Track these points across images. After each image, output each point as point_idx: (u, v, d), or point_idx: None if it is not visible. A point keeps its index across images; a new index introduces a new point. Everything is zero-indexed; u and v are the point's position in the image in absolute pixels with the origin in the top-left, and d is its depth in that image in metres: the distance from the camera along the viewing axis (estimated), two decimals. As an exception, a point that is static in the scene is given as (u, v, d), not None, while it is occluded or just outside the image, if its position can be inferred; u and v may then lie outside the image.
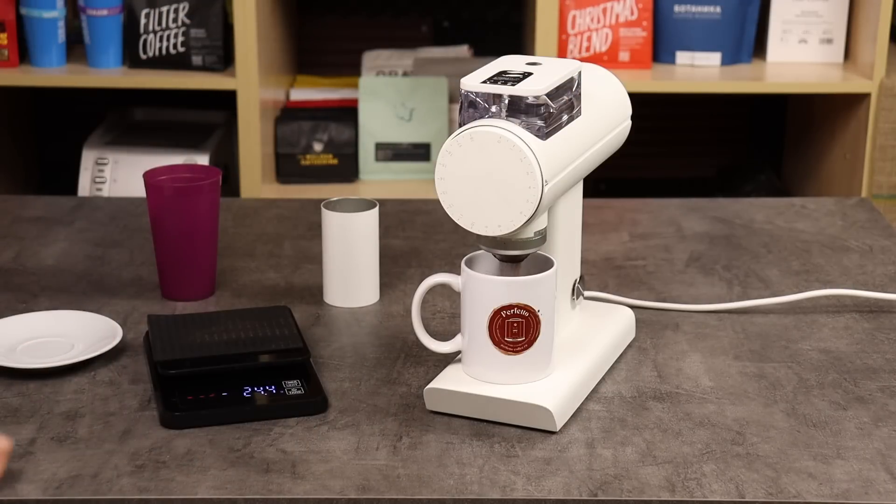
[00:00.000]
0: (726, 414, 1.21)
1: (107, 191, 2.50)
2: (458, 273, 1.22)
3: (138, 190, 2.46)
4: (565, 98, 1.18)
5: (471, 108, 1.15)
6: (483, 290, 1.19)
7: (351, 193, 2.56)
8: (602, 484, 1.09)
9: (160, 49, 2.52)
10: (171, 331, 1.29)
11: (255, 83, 2.45)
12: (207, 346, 1.26)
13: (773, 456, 1.14)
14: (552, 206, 1.22)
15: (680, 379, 1.28)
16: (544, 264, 1.21)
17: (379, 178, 2.67)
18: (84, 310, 1.38)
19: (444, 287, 1.24)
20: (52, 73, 2.51)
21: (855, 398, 1.24)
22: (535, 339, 1.19)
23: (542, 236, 1.19)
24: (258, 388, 1.22)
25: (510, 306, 1.17)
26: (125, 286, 1.48)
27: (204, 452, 1.13)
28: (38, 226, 1.67)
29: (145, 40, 2.52)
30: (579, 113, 1.21)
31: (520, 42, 2.83)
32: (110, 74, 2.51)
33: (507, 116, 1.14)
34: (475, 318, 1.19)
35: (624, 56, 2.57)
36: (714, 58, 2.58)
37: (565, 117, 1.18)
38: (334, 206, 1.44)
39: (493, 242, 1.18)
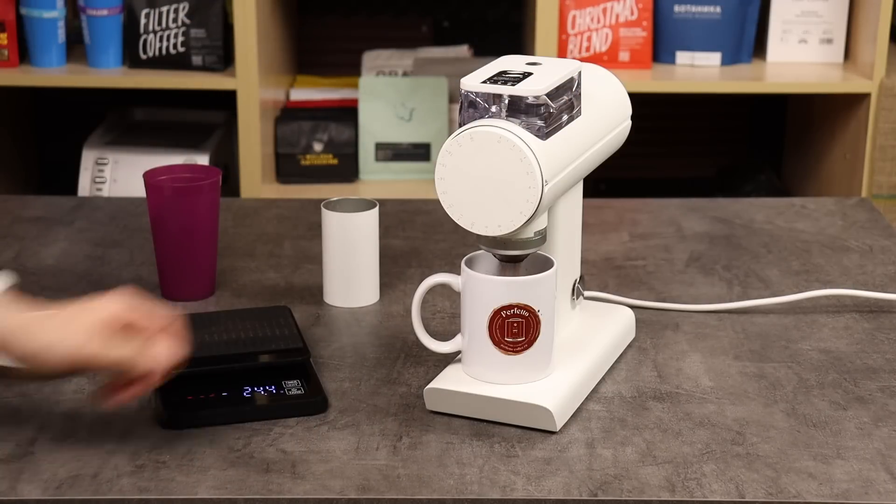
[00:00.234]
0: (726, 414, 1.21)
1: (107, 191, 2.49)
2: (458, 273, 1.21)
3: (138, 190, 2.46)
4: (565, 98, 1.18)
5: (471, 108, 1.15)
6: (483, 290, 1.18)
7: (351, 193, 2.56)
8: (602, 484, 1.09)
9: (160, 49, 2.52)
10: (171, 331, 1.29)
11: (255, 83, 2.45)
12: (207, 346, 1.26)
13: (773, 456, 1.14)
14: (552, 206, 1.22)
15: (680, 379, 1.28)
16: (544, 264, 1.21)
17: (379, 178, 2.67)
18: (84, 310, 1.37)
19: (444, 287, 1.24)
20: (52, 73, 2.51)
21: (855, 398, 1.24)
22: (535, 339, 1.19)
23: (542, 236, 1.19)
24: (258, 388, 1.22)
25: (510, 306, 1.17)
26: (125, 286, 1.48)
27: (204, 452, 1.13)
28: (38, 226, 1.67)
29: (145, 40, 2.52)
30: (579, 113, 1.21)
31: (520, 42, 2.83)
32: (110, 74, 2.51)
33: (507, 116, 1.14)
34: (475, 318, 1.19)
35: (624, 56, 2.57)
36: (714, 58, 2.58)
37: (565, 117, 1.18)
38: (334, 206, 1.44)
39: (493, 242, 1.18)
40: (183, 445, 1.14)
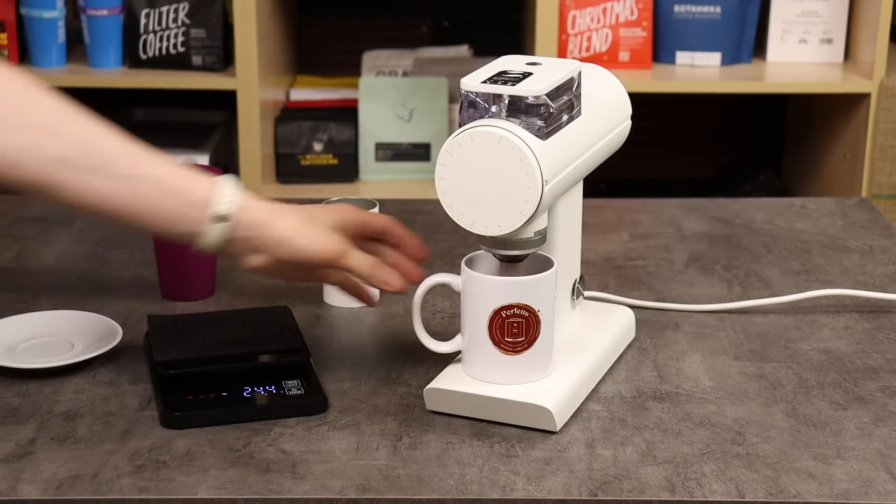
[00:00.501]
0: (726, 414, 1.21)
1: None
2: (459, 273, 1.21)
3: (138, 190, 2.45)
4: (565, 98, 1.18)
5: (471, 108, 1.15)
6: (483, 290, 1.18)
7: (351, 193, 2.56)
8: (602, 484, 1.09)
9: (160, 49, 2.52)
10: (171, 331, 1.29)
11: (255, 83, 2.45)
12: (207, 346, 1.26)
13: (773, 456, 1.14)
14: (552, 206, 1.22)
15: (680, 379, 1.28)
16: (544, 264, 1.21)
17: (379, 178, 2.67)
18: (84, 310, 1.37)
19: (444, 287, 1.24)
20: (52, 73, 2.51)
21: (855, 398, 1.24)
22: (535, 339, 1.19)
23: (542, 236, 1.19)
24: (258, 388, 1.22)
25: (510, 306, 1.17)
26: (125, 286, 1.48)
27: (204, 452, 1.13)
28: (38, 226, 1.67)
29: (145, 40, 2.52)
30: (579, 113, 1.21)
31: (520, 42, 2.83)
32: (110, 74, 2.51)
33: (507, 116, 1.14)
34: (475, 318, 1.19)
35: (624, 56, 2.57)
36: (714, 58, 2.58)
37: (565, 117, 1.18)
38: (334, 206, 1.44)
39: (493, 242, 1.18)
40: (183, 445, 1.14)
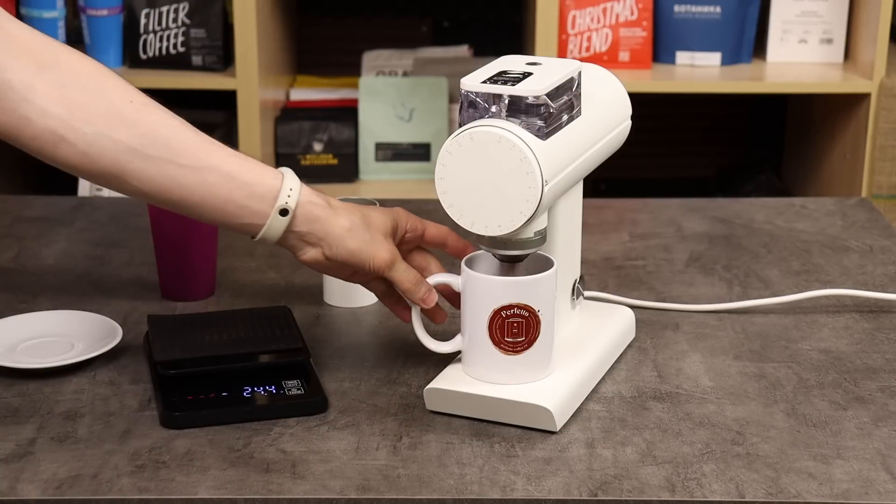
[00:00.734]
0: (726, 414, 1.21)
1: (107, 191, 2.49)
2: (458, 273, 1.21)
3: (138, 190, 2.46)
4: (565, 98, 1.18)
5: (471, 108, 1.15)
6: (483, 290, 1.18)
7: (351, 193, 2.56)
8: (602, 484, 1.09)
9: (160, 49, 2.52)
10: (171, 331, 1.29)
11: (255, 83, 2.46)
12: (207, 346, 1.26)
13: (773, 456, 1.14)
14: (552, 206, 1.22)
15: (680, 379, 1.28)
16: (544, 264, 1.21)
17: (379, 178, 2.67)
18: (84, 310, 1.37)
19: (444, 286, 1.24)
20: (52, 73, 2.50)
21: (855, 398, 1.24)
22: (535, 339, 1.19)
23: (542, 236, 1.19)
24: (258, 388, 1.22)
25: (510, 306, 1.17)
26: (125, 286, 1.48)
27: (204, 452, 1.13)
28: (38, 226, 1.67)
29: (145, 40, 2.52)
30: (579, 113, 1.21)
31: (520, 42, 2.83)
32: (110, 74, 2.51)
33: (507, 116, 1.14)
34: (475, 318, 1.19)
35: (624, 56, 2.57)
36: (714, 58, 2.58)
37: (565, 117, 1.18)
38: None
39: (493, 242, 1.18)
40: (183, 445, 1.14)
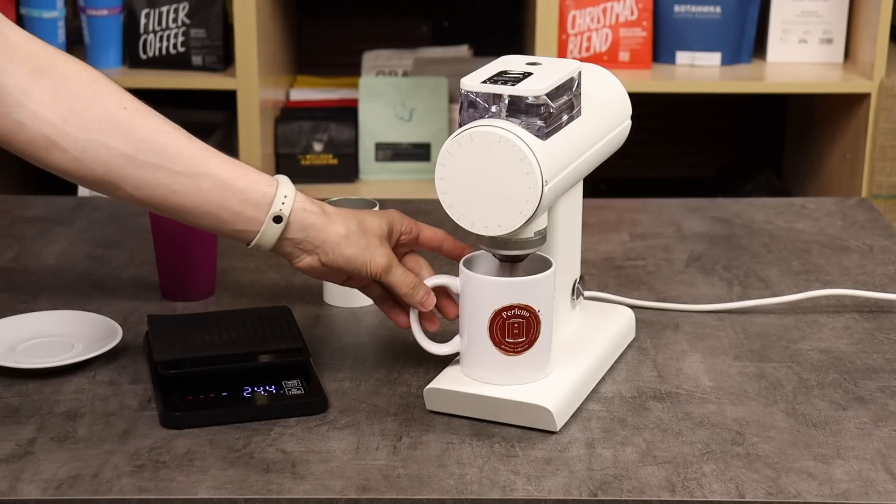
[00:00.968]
0: (726, 414, 1.21)
1: (107, 191, 2.49)
2: (457, 274, 1.21)
3: (138, 190, 2.45)
4: (565, 98, 1.17)
5: (471, 108, 1.15)
6: (484, 291, 1.18)
7: (351, 193, 2.56)
8: (602, 484, 1.09)
9: (160, 49, 2.52)
10: (171, 331, 1.29)
11: (255, 83, 2.46)
12: (207, 346, 1.26)
13: (773, 456, 1.14)
14: (552, 206, 1.22)
15: (680, 379, 1.28)
16: (543, 264, 1.21)
17: (379, 178, 2.67)
18: (84, 310, 1.37)
19: (443, 287, 1.24)
20: (52, 73, 2.50)
21: (855, 398, 1.24)
22: (535, 339, 1.19)
23: (542, 236, 1.19)
24: (258, 388, 1.22)
25: (511, 307, 1.17)
26: (125, 286, 1.48)
27: (204, 452, 1.13)
28: (38, 226, 1.67)
29: (145, 40, 2.52)
30: (579, 113, 1.21)
31: (520, 42, 2.83)
32: (110, 74, 2.49)
33: (507, 116, 1.14)
34: (475, 319, 1.19)
35: (624, 56, 2.57)
36: (714, 58, 2.58)
37: (565, 117, 1.18)
38: (334, 206, 1.44)
39: (493, 242, 1.18)
40: (183, 445, 1.14)
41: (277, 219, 1.20)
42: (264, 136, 2.53)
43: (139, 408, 1.21)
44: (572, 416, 1.20)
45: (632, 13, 2.55)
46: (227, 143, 2.69)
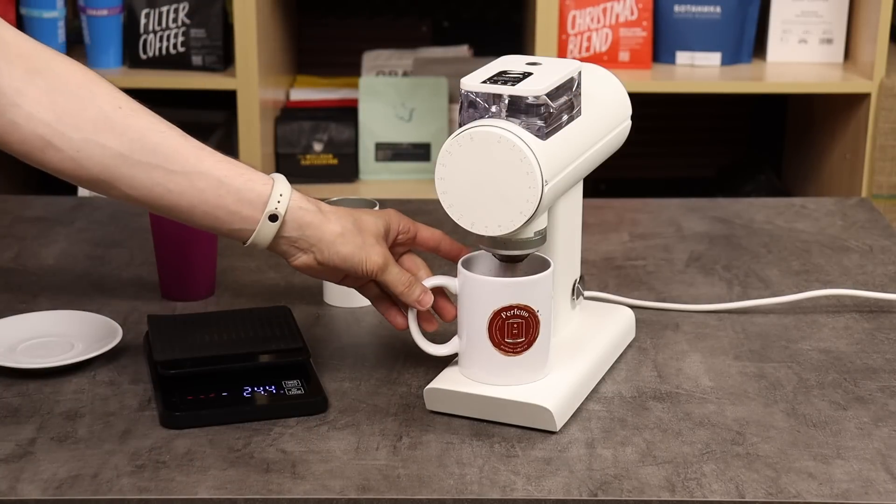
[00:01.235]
0: (726, 414, 1.21)
1: (107, 191, 2.49)
2: (455, 275, 1.21)
3: (138, 190, 2.45)
4: (565, 98, 1.18)
5: (471, 108, 1.15)
6: (483, 291, 1.18)
7: (351, 193, 2.56)
8: (602, 484, 1.09)
9: (160, 49, 2.52)
10: (171, 331, 1.29)
11: (255, 83, 2.46)
12: (207, 346, 1.26)
13: (773, 456, 1.14)
14: (552, 206, 1.22)
15: (680, 379, 1.28)
16: (541, 265, 1.21)
17: (379, 178, 2.67)
18: (84, 310, 1.37)
19: (442, 288, 1.24)
20: (52, 73, 2.50)
21: (855, 398, 1.24)
22: (534, 339, 1.19)
23: (542, 236, 1.19)
24: (258, 388, 1.22)
25: (510, 307, 1.17)
26: (125, 286, 1.48)
27: (204, 452, 1.13)
28: (38, 226, 1.67)
29: (145, 40, 2.52)
30: (579, 113, 1.21)
31: (520, 42, 2.83)
32: (110, 74, 2.51)
33: (507, 116, 1.14)
34: (474, 319, 1.19)
35: (624, 56, 2.57)
36: (714, 58, 2.58)
37: (565, 117, 1.18)
38: (334, 205, 1.44)
39: (493, 242, 1.18)
40: (183, 445, 1.14)
41: (273, 217, 1.20)
42: (264, 136, 2.53)
43: (139, 408, 1.21)
44: (572, 416, 1.20)
45: (632, 13, 2.55)
46: (227, 143, 2.69)
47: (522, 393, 1.18)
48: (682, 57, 2.59)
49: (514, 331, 1.18)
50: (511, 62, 1.21)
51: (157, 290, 1.46)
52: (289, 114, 2.67)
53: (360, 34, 2.96)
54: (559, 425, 1.17)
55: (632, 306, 1.42)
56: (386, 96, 2.65)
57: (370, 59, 2.80)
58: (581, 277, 1.32)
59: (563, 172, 1.17)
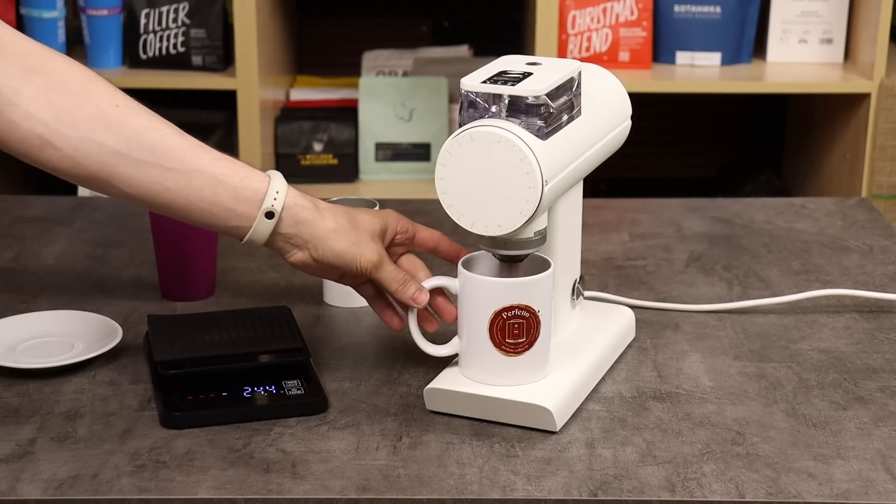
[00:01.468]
0: (726, 414, 1.21)
1: (107, 191, 2.49)
2: (455, 275, 1.21)
3: (138, 190, 2.45)
4: (565, 98, 1.18)
5: (471, 108, 1.15)
6: (484, 291, 1.18)
7: (351, 193, 2.56)
8: (602, 484, 1.09)
9: (160, 49, 2.52)
10: (171, 331, 1.29)
11: (255, 83, 2.46)
12: (207, 346, 1.26)
13: (773, 456, 1.14)
14: (552, 206, 1.22)
15: (680, 379, 1.28)
16: (542, 265, 1.21)
17: (379, 178, 2.67)
18: (84, 310, 1.37)
19: (442, 288, 1.24)
20: (52, 73, 2.50)
21: (855, 398, 1.24)
22: (535, 339, 1.19)
23: (542, 236, 1.19)
24: (258, 388, 1.22)
25: (511, 307, 1.17)
26: (125, 286, 1.48)
27: (204, 452, 1.13)
28: (38, 226, 1.67)
29: (145, 40, 2.52)
30: (579, 113, 1.21)
31: (520, 42, 2.83)
32: (110, 74, 2.51)
33: (507, 116, 1.14)
34: (475, 320, 1.19)
35: (624, 56, 2.57)
36: (714, 58, 2.58)
37: (565, 117, 1.18)
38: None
39: (493, 242, 1.18)
40: (183, 445, 1.14)
41: (269, 214, 1.20)
42: (264, 136, 2.53)
43: (139, 408, 1.21)
44: (572, 416, 1.20)
45: (632, 13, 2.55)
46: (227, 143, 2.69)
47: (522, 393, 1.18)
48: (682, 57, 2.59)
49: (515, 331, 1.18)
50: (511, 62, 1.21)
51: (157, 290, 1.46)
52: (289, 114, 2.67)
53: (360, 34, 2.96)
54: (559, 425, 1.17)
55: (632, 306, 1.42)
56: (386, 96, 2.65)
57: (370, 59, 2.80)
58: (581, 277, 1.32)
59: (563, 172, 1.17)
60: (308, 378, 1.24)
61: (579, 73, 1.20)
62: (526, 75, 1.16)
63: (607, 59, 2.55)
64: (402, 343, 1.34)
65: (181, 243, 1.42)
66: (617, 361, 1.31)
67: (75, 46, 2.58)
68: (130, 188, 1.19)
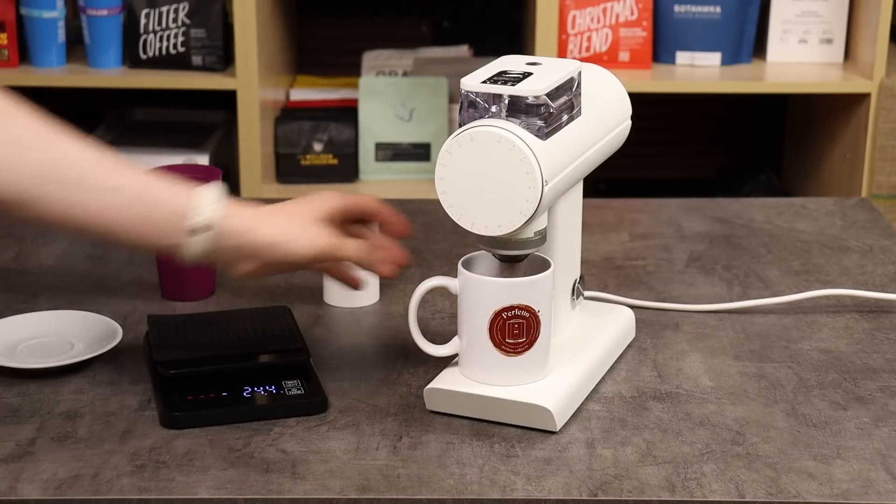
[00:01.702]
0: (726, 414, 1.21)
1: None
2: (456, 274, 1.21)
3: (138, 190, 2.45)
4: (565, 98, 1.18)
5: (471, 108, 1.15)
6: (484, 291, 1.18)
7: (351, 193, 2.56)
8: (602, 484, 1.09)
9: (160, 49, 2.52)
10: (171, 331, 1.29)
11: (255, 83, 2.45)
12: (207, 346, 1.26)
13: (773, 456, 1.14)
14: (552, 206, 1.22)
15: (680, 379, 1.28)
16: (542, 265, 1.21)
17: (379, 178, 2.67)
18: (84, 310, 1.37)
19: (441, 288, 1.24)
20: (52, 73, 2.51)
21: (855, 398, 1.24)
22: (535, 339, 1.19)
23: (542, 236, 1.19)
24: (258, 388, 1.22)
25: (511, 307, 1.17)
26: (125, 286, 1.48)
27: (204, 452, 1.13)
28: (38, 226, 1.67)
29: (145, 40, 2.52)
30: (579, 113, 1.21)
31: (520, 42, 2.83)
32: (110, 74, 2.51)
33: (507, 116, 1.14)
34: (475, 320, 1.19)
35: (624, 56, 2.57)
36: (714, 58, 2.58)
37: (565, 117, 1.18)
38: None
39: (493, 242, 1.18)
40: (183, 445, 1.14)
41: (202, 229, 1.16)
42: (264, 136, 2.53)
43: (139, 408, 1.21)
44: (572, 416, 1.20)
45: (632, 13, 2.55)
46: (227, 143, 2.69)
47: (522, 393, 1.18)
48: (682, 57, 2.59)
49: (515, 331, 1.18)
50: (511, 62, 1.21)
51: (157, 290, 1.46)
52: (289, 114, 2.67)
53: (360, 34, 2.96)
54: (559, 425, 1.17)
55: (632, 306, 1.42)
56: (386, 96, 2.65)
57: (370, 59, 2.80)
58: (581, 277, 1.32)
59: (563, 172, 1.17)
60: (308, 378, 1.24)
61: (579, 73, 1.20)
62: (526, 75, 1.16)
63: (607, 59, 2.55)
64: (402, 343, 1.34)
65: (181, 243, 1.42)
66: (617, 361, 1.31)
67: (75, 46, 2.58)
68: (53, 210, 1.14)
